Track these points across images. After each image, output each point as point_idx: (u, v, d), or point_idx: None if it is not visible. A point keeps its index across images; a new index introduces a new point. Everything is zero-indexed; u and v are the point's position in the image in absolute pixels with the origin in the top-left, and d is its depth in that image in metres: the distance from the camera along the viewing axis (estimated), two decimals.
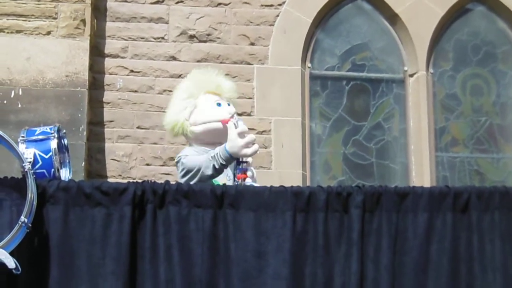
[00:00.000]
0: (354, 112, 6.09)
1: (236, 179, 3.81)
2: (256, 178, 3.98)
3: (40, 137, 3.46)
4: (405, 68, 6.15)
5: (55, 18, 5.53)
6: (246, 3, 5.97)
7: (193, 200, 3.40)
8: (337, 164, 6.00)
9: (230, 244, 3.36)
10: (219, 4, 5.96)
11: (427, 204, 3.46)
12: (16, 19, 5.50)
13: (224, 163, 3.76)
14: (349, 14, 6.19)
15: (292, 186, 3.53)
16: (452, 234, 3.44)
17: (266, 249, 3.36)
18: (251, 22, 5.96)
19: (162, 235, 3.37)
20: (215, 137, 3.94)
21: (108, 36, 5.84)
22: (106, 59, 5.81)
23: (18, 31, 5.49)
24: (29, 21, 5.50)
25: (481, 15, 6.27)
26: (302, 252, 3.38)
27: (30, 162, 3.33)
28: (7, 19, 5.49)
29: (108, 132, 5.71)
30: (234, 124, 3.81)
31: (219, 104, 4.01)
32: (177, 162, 3.93)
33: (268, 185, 3.49)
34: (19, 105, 5.36)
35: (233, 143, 3.75)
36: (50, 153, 3.42)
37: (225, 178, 3.91)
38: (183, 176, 3.85)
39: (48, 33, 5.51)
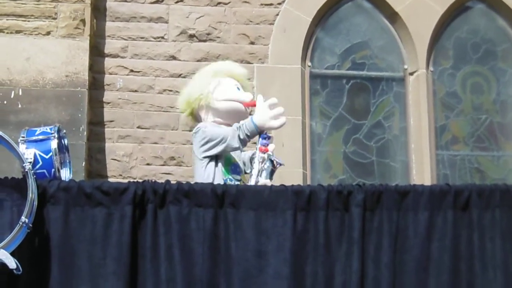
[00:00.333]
0: (354, 110, 6.09)
1: (259, 151, 3.85)
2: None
3: (40, 137, 3.46)
4: (405, 67, 6.15)
5: (54, 18, 5.53)
6: (245, 2, 5.97)
7: (194, 199, 3.40)
8: (338, 163, 6.00)
9: (231, 244, 3.37)
10: (219, 3, 5.96)
11: (427, 202, 3.47)
12: (15, 19, 5.50)
13: (249, 134, 3.86)
14: (349, 12, 6.19)
15: (292, 185, 3.53)
16: (453, 232, 3.44)
17: (267, 248, 3.36)
18: (250, 21, 5.96)
19: (162, 234, 3.37)
20: (233, 117, 4.02)
21: (108, 36, 5.84)
22: (106, 59, 5.81)
23: (17, 31, 5.49)
24: (29, 21, 5.50)
25: (481, 13, 6.27)
26: (303, 251, 3.38)
27: (30, 162, 3.33)
28: (7, 20, 5.49)
29: (108, 132, 5.71)
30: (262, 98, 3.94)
31: (238, 88, 4.13)
32: (195, 132, 3.97)
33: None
34: (19, 106, 5.36)
35: (262, 113, 3.87)
36: (51, 153, 3.42)
37: (237, 158, 4.03)
38: (204, 144, 3.91)
39: (48, 33, 5.51)
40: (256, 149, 3.89)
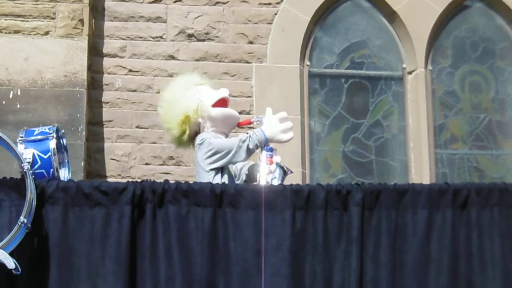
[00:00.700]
0: (353, 109, 6.09)
1: (268, 163, 3.81)
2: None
3: (39, 137, 3.46)
4: (404, 66, 6.15)
5: (53, 18, 5.53)
6: (244, 1, 5.97)
7: (193, 199, 3.41)
8: (337, 162, 6.00)
9: (230, 243, 3.37)
10: (217, 2, 5.96)
11: (426, 201, 3.47)
12: (14, 20, 5.49)
13: (258, 144, 3.87)
14: (347, 11, 6.19)
15: (291, 184, 3.53)
16: (452, 230, 3.44)
17: (266, 247, 3.36)
18: (249, 21, 5.96)
19: (161, 234, 3.37)
20: (228, 124, 4.05)
21: (107, 36, 5.84)
22: (105, 58, 5.80)
23: (16, 32, 5.49)
24: (27, 21, 5.50)
25: (479, 12, 6.27)
26: (302, 250, 3.39)
27: (29, 162, 3.33)
28: (5, 20, 5.49)
29: (107, 132, 5.71)
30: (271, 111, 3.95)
31: (211, 89, 4.14)
32: (200, 143, 3.93)
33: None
34: (18, 106, 5.36)
35: (273, 126, 3.90)
36: (49, 153, 3.42)
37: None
38: (210, 156, 3.88)
39: (46, 33, 5.51)
40: (259, 160, 3.83)
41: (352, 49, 6.15)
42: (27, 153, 3.39)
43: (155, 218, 3.39)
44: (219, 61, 5.82)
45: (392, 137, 6.08)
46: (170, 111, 4.10)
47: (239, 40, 5.92)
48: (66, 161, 3.63)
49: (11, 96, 5.38)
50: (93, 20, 5.76)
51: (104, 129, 5.71)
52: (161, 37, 5.87)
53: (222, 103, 4.08)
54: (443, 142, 6.09)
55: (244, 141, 3.85)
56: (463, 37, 6.23)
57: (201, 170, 3.92)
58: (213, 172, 3.87)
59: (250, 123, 4.06)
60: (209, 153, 3.88)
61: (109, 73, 5.79)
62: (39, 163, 3.40)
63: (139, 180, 3.50)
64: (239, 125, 4.12)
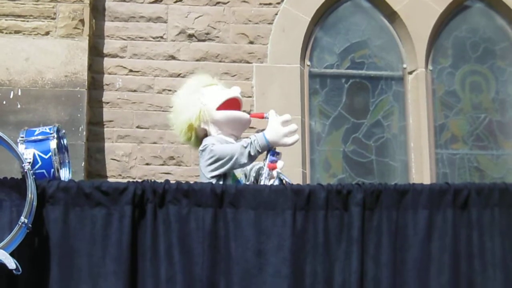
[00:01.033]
0: (353, 109, 6.09)
1: (267, 168, 3.77)
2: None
3: (40, 137, 3.46)
4: (404, 66, 6.15)
5: (53, 19, 5.53)
6: (244, 1, 5.97)
7: (193, 199, 3.40)
8: (337, 162, 6.00)
9: (231, 243, 3.37)
10: (218, 3, 5.96)
11: (427, 201, 3.47)
12: (14, 20, 5.50)
13: (260, 150, 3.77)
14: (347, 12, 6.19)
15: (292, 184, 3.53)
16: (452, 230, 3.44)
17: (266, 248, 3.36)
18: (249, 21, 5.96)
19: (162, 234, 3.37)
20: (235, 127, 3.96)
21: (107, 36, 5.84)
22: (105, 59, 5.81)
23: (16, 32, 5.49)
24: (28, 21, 5.50)
25: (480, 12, 6.27)
26: (302, 250, 3.38)
27: (29, 162, 3.33)
28: (6, 20, 5.49)
29: (107, 132, 5.71)
30: (275, 113, 3.84)
31: (223, 89, 4.05)
32: (203, 150, 3.87)
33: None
34: (18, 106, 5.36)
35: (275, 130, 3.78)
36: (50, 153, 3.42)
37: (240, 173, 3.93)
38: (212, 163, 3.80)
39: (47, 33, 5.51)
40: (264, 165, 3.80)
41: (352, 49, 6.15)
42: (27, 153, 3.38)
43: (155, 218, 3.39)
44: (220, 61, 5.82)
45: (393, 137, 6.08)
46: (176, 118, 4.03)
47: (239, 40, 5.92)
48: (66, 161, 3.63)
49: (11, 96, 5.38)
50: (94, 20, 5.76)
51: (105, 129, 5.71)
52: (161, 37, 5.88)
53: (231, 103, 3.99)
54: (443, 142, 6.09)
55: (245, 147, 3.77)
56: (463, 37, 6.23)
57: (203, 176, 3.88)
58: (214, 180, 3.79)
59: (262, 117, 3.93)
60: (210, 161, 3.81)
61: (109, 73, 5.79)
62: (40, 163, 3.40)
63: (139, 180, 3.50)
64: (251, 116, 4.01)
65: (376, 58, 6.17)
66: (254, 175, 3.97)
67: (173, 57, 5.85)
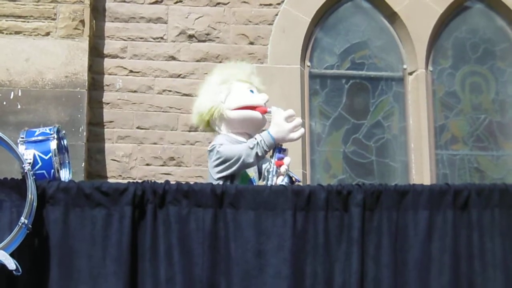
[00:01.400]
0: (353, 110, 6.09)
1: (274, 165, 3.75)
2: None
3: (40, 138, 3.46)
4: (404, 66, 6.15)
5: (54, 19, 5.53)
6: (245, 2, 5.97)
7: (193, 199, 3.40)
8: (337, 163, 6.00)
9: (231, 243, 3.37)
10: (218, 3, 5.96)
11: (427, 201, 3.46)
12: (15, 20, 5.50)
13: (267, 149, 3.75)
14: (348, 12, 6.19)
15: (292, 185, 3.53)
16: (452, 231, 3.44)
17: (267, 248, 3.36)
18: (250, 22, 5.96)
19: (162, 235, 3.37)
20: (248, 126, 3.93)
21: (107, 37, 5.84)
22: (105, 59, 5.81)
23: (17, 32, 5.49)
24: (28, 22, 5.50)
25: (480, 13, 6.28)
26: (303, 251, 3.38)
27: (29, 163, 3.33)
28: (6, 20, 5.49)
29: (108, 133, 5.71)
30: (277, 109, 3.83)
31: (252, 91, 4.02)
32: (210, 150, 3.85)
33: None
34: (19, 106, 5.37)
35: (280, 127, 3.77)
36: (50, 154, 3.42)
37: (253, 172, 3.92)
38: (219, 164, 3.78)
39: (47, 34, 5.51)
40: (271, 162, 3.78)
41: (352, 50, 6.16)
42: (28, 153, 3.38)
43: (155, 218, 3.39)
44: (220, 62, 5.81)
45: (393, 137, 6.08)
46: (196, 101, 4.02)
47: (239, 41, 5.92)
48: (67, 161, 3.63)
49: (12, 97, 5.38)
50: (94, 21, 5.76)
51: (105, 129, 5.71)
52: (161, 38, 5.88)
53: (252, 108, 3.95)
54: (443, 143, 6.09)
55: (252, 148, 3.75)
56: (463, 38, 6.24)
57: (210, 177, 3.87)
58: (221, 181, 3.77)
59: (266, 111, 3.91)
60: (217, 161, 3.80)
61: (109, 74, 5.80)
62: (40, 163, 3.40)
63: (139, 181, 3.50)
64: (261, 112, 3.97)
65: (376, 58, 6.17)
66: (267, 174, 3.92)
67: (173, 58, 5.85)
